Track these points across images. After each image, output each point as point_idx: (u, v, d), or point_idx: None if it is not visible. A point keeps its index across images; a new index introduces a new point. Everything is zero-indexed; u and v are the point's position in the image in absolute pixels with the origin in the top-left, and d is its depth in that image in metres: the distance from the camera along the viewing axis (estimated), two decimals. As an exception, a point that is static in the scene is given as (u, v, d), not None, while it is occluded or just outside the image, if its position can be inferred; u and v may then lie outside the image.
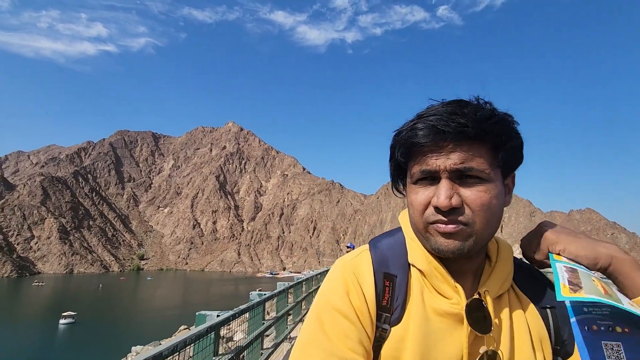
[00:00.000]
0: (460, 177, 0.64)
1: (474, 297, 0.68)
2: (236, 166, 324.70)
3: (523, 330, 0.69)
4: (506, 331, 0.68)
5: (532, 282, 0.75)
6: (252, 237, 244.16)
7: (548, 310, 0.70)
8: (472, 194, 0.63)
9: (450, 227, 0.63)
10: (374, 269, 0.73)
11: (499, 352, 0.65)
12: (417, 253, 0.72)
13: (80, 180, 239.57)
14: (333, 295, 0.70)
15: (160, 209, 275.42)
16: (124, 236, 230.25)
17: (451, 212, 0.63)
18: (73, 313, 64.16)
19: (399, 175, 0.74)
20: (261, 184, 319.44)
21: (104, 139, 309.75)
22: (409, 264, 0.73)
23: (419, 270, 0.72)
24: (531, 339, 0.68)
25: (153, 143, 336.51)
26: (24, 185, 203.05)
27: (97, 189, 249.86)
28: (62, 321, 61.61)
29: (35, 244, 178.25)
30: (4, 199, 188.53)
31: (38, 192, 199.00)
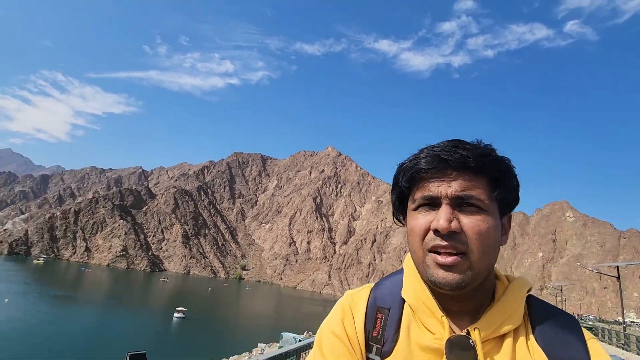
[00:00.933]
0: (460, 205, 0.68)
1: (460, 333, 0.67)
2: (332, 189, 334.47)
3: None
4: None
5: (555, 333, 0.67)
6: (343, 261, 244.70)
7: None
8: (471, 222, 0.66)
9: (450, 259, 0.65)
10: (369, 302, 0.79)
11: None
12: (409, 287, 0.76)
13: (202, 194, 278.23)
14: (332, 321, 0.79)
15: (263, 224, 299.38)
16: (231, 246, 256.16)
17: (450, 237, 0.65)
18: (184, 309, 73.07)
19: (400, 205, 0.77)
20: (355, 208, 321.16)
21: (222, 159, 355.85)
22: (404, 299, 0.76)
23: (409, 304, 0.74)
24: None
25: (261, 164, 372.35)
26: (162, 195, 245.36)
27: (214, 202, 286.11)
28: (175, 315, 70.51)
29: (165, 245, 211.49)
30: (147, 205, 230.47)
31: (171, 202, 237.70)
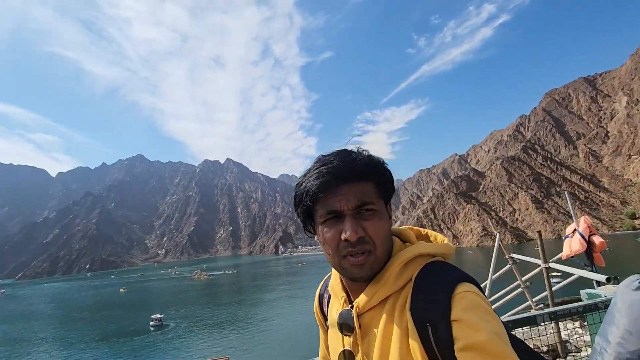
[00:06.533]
0: (360, 212, 0.81)
1: (346, 307, 0.88)
2: None
3: (394, 341, 0.77)
4: (375, 338, 0.80)
5: (426, 294, 0.76)
6: None
7: (429, 328, 0.72)
8: (371, 225, 0.80)
9: (361, 259, 0.80)
10: (322, 286, 1.07)
11: (353, 351, 0.84)
12: (332, 277, 0.99)
13: (530, 153, 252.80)
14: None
15: (632, 156, 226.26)
16: (599, 195, 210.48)
17: (358, 242, 0.79)
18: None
19: (307, 218, 0.88)
20: None
21: (535, 107, 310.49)
22: None
23: (329, 290, 1.00)
24: (404, 349, 0.75)
25: (589, 88, 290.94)
26: (490, 171, 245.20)
27: (550, 156, 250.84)
28: (553, 280, 65.69)
29: (518, 215, 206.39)
30: (481, 184, 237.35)
31: (502, 174, 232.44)
